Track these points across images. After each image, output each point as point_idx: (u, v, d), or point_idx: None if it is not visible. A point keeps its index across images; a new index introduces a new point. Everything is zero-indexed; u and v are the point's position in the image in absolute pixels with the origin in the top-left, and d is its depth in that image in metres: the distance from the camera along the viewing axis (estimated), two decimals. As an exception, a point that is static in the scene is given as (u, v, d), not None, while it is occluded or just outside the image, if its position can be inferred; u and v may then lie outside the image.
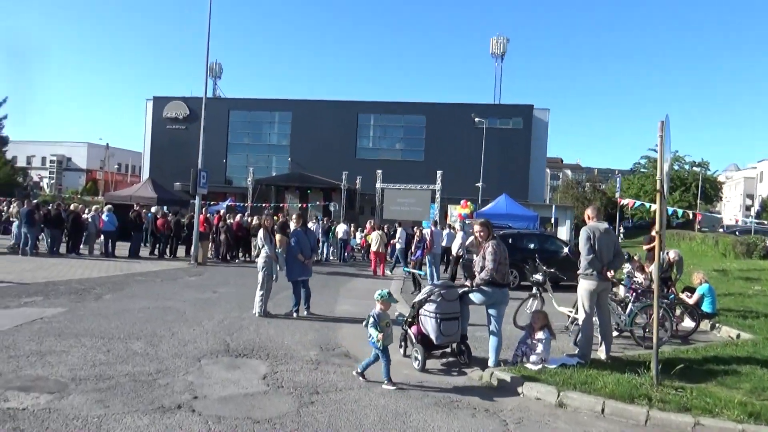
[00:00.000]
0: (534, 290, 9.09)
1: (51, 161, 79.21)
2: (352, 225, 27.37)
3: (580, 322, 6.82)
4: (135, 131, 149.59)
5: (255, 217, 20.68)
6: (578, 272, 6.86)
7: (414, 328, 6.64)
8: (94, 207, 19.32)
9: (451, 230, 20.15)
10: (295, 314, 9.26)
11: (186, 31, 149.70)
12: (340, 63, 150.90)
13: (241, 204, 41.66)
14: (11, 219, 18.21)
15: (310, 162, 49.15)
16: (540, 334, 6.32)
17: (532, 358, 6.22)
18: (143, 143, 56.65)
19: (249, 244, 20.14)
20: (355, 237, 25.22)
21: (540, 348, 6.23)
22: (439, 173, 37.71)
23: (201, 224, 18.49)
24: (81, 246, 18.64)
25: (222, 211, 21.02)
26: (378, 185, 40.45)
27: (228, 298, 10.85)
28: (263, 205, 41.34)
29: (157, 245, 19.54)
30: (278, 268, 9.20)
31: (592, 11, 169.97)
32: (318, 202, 44.20)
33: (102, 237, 18.68)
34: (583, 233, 6.86)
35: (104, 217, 18.43)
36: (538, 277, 9.12)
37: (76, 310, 8.70)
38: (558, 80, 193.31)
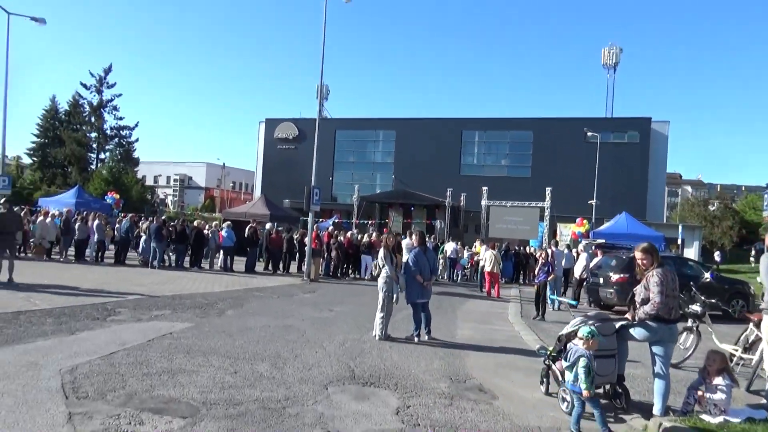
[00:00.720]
0: (690, 323, 7.94)
1: (174, 180, 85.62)
2: (459, 243, 26.62)
3: (766, 366, 5.71)
4: (248, 151, 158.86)
5: (365, 235, 20.59)
6: (762, 306, 5.77)
7: (560, 364, 5.87)
8: (214, 223, 20.13)
9: (569, 251, 18.86)
10: (416, 339, 8.76)
11: (294, 54, 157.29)
12: (443, 80, 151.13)
13: (347, 221, 42.38)
14: (140, 234, 19.36)
15: (413, 179, 49.14)
16: (719, 380, 5.32)
17: (711, 408, 5.23)
18: (256, 162, 59.56)
19: (359, 261, 20.08)
20: (463, 256, 24.47)
21: (720, 396, 5.23)
22: (548, 190, 36.07)
23: (313, 241, 18.71)
24: (202, 260, 19.50)
25: (330, 228, 21.18)
26: (483, 202, 39.44)
27: (345, 318, 10.58)
28: (368, 222, 41.74)
29: (271, 260, 20.01)
30: (399, 290, 8.75)
31: (709, 16, 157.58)
32: (421, 220, 43.88)
33: (221, 252, 19.41)
34: (766, 261, 5.78)
35: (223, 233, 19.16)
36: (696, 308, 7.97)
37: (202, 326, 8.76)
38: (674, 91, 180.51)
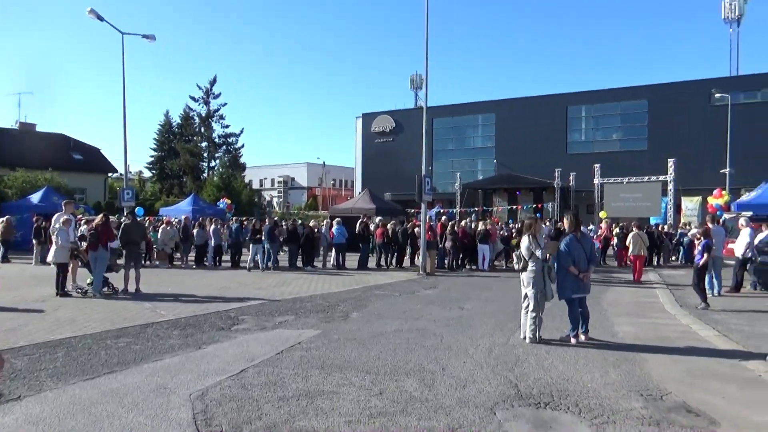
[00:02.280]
0: None
1: (278, 182, 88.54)
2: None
3: None
4: (347, 148, 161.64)
5: (480, 223, 19.31)
6: None
7: (809, 378, 4.38)
8: (325, 221, 19.74)
9: (720, 226, 16.40)
10: (573, 340, 7.46)
11: (385, 47, 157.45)
12: (542, 55, 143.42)
13: (451, 210, 41.13)
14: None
15: (517, 162, 46.85)
16: None
17: None
18: (354, 158, 59.83)
19: (475, 251, 18.86)
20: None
21: None
22: (670, 162, 32.59)
23: (427, 232, 17.75)
24: (315, 260, 19.19)
25: (444, 218, 20.10)
26: (596, 180, 36.62)
27: (480, 317, 9.46)
28: (471, 209, 40.27)
29: (385, 255, 19.30)
30: (551, 284, 7.48)
31: None
32: (529, 204, 41.66)
33: (333, 250, 18.98)
34: None
35: (334, 230, 18.69)
36: None
37: (330, 333, 8.02)
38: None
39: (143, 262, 16.23)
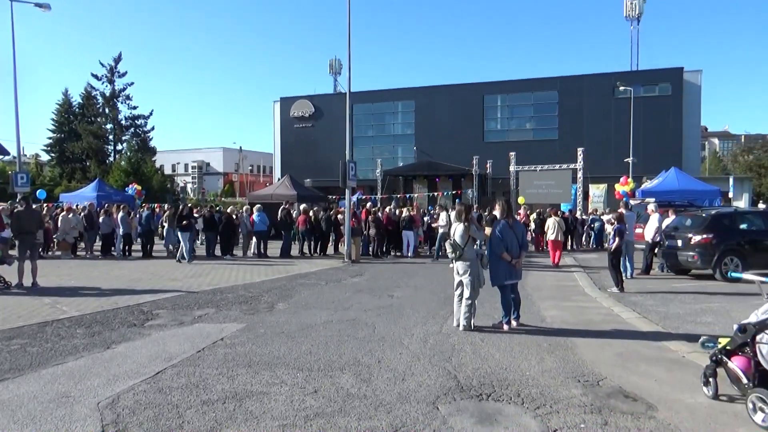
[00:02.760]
0: None
1: (192, 167, 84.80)
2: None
3: None
4: (264, 133, 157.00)
5: (404, 209, 19.22)
6: None
7: (740, 360, 4.48)
8: (244, 208, 18.88)
9: (631, 212, 17.27)
10: (505, 326, 7.43)
11: (304, 30, 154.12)
12: (461, 45, 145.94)
13: (373, 197, 40.99)
14: (163, 224, 18.26)
15: (436, 149, 47.52)
16: None
17: None
18: (273, 143, 58.25)
19: (400, 238, 18.78)
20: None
21: None
22: (580, 151, 34.19)
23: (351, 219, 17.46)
24: (234, 248, 18.36)
25: (368, 205, 19.82)
26: (512, 168, 37.80)
27: (412, 305, 9.28)
28: (395, 196, 40.37)
29: (308, 243, 18.80)
30: (483, 270, 7.40)
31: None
32: (449, 191, 42.38)
33: (254, 238, 18.23)
34: None
35: (255, 217, 17.94)
36: None
37: (255, 327, 7.53)
38: (694, 42, 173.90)
39: (41, 252, 14.81)
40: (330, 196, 35.13)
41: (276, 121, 56.65)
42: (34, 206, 12.74)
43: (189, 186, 73.21)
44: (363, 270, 14.47)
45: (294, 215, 18.93)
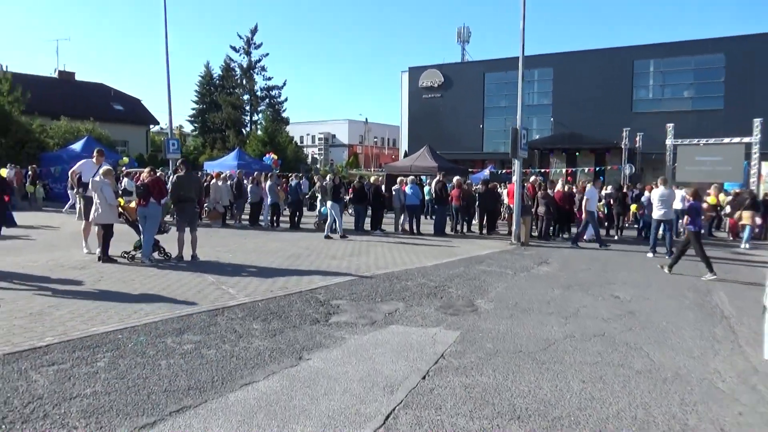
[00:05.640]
0: None
1: (319, 139, 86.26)
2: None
3: None
4: (390, 105, 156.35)
5: (581, 184, 16.55)
6: None
7: None
8: (398, 179, 17.26)
9: None
10: None
11: None
12: (606, 5, 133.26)
13: (533, 169, 37.98)
14: (315, 194, 17.16)
15: (576, 121, 43.27)
16: None
17: None
18: (400, 115, 56.80)
19: (570, 218, 16.23)
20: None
21: None
22: (757, 122, 28.77)
23: (511, 195, 15.28)
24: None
25: (534, 178, 17.37)
26: (668, 141, 33.00)
27: (660, 315, 6.94)
28: (535, 170, 37.19)
29: (459, 221, 16.88)
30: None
31: None
32: (587, 169, 38.24)
33: (405, 212, 16.60)
34: None
35: (408, 189, 16.27)
36: None
37: (475, 338, 5.66)
38: None
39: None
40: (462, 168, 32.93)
41: (404, 92, 55.02)
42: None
43: (317, 157, 74.40)
44: (543, 255, 12.21)
45: (450, 189, 17.01)
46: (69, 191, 18.04)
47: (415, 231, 16.22)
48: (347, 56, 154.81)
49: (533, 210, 15.50)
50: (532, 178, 17.17)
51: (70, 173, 11.00)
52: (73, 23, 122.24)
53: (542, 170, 39.96)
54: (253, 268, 9.50)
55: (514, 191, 14.53)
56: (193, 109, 53.13)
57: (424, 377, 4.47)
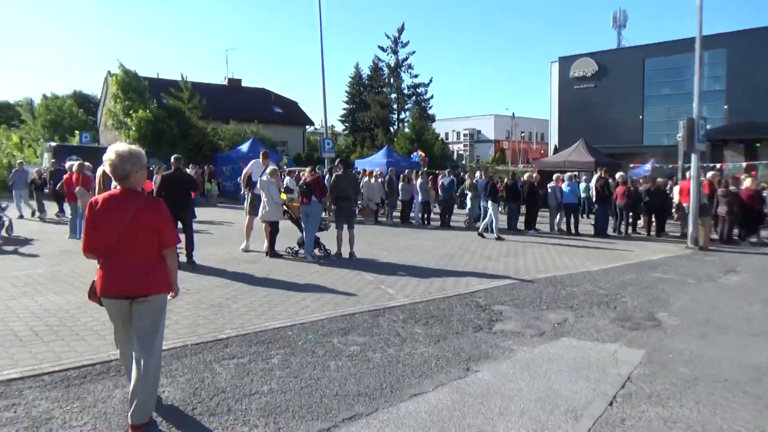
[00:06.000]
0: None
1: (464, 135, 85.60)
2: None
3: None
4: (538, 98, 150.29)
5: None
6: None
7: None
8: (554, 176, 16.31)
9: None
10: None
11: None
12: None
13: (668, 166, 34.43)
14: (465, 192, 16.84)
15: (754, 108, 37.91)
16: None
17: None
18: (549, 107, 54.18)
19: (760, 219, 14.13)
20: None
21: None
22: None
23: (684, 192, 13.70)
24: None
25: (711, 174, 15.39)
26: None
27: None
28: (707, 164, 33.22)
29: (623, 221, 15.51)
30: None
31: None
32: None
33: (561, 212, 15.63)
34: None
35: (565, 186, 15.31)
36: None
37: (664, 360, 4.98)
38: None
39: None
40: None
41: (553, 84, 52.34)
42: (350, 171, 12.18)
43: (462, 153, 73.98)
44: (729, 262, 10.69)
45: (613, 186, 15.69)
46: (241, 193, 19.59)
47: (572, 231, 15.22)
48: (493, 50, 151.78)
49: (713, 210, 13.73)
50: (709, 174, 15.18)
51: (242, 175, 11.81)
52: (241, 34, 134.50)
53: (716, 165, 35.76)
54: (408, 267, 9.46)
55: (691, 188, 12.97)
56: (344, 109, 55.49)
57: (611, 403, 3.97)
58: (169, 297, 3.63)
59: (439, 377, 4.42)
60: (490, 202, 13.90)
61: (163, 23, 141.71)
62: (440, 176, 19.23)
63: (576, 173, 23.65)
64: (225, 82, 44.19)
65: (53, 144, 25.03)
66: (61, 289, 7.13)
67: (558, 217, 15.81)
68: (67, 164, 13.50)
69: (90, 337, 5.17)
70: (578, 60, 49.91)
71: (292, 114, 43.80)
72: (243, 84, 44.65)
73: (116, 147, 3.51)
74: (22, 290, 7.01)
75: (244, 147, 27.52)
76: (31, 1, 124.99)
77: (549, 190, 15.68)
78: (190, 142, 29.61)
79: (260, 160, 11.50)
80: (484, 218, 14.94)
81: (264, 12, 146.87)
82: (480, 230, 14.06)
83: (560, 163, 24.89)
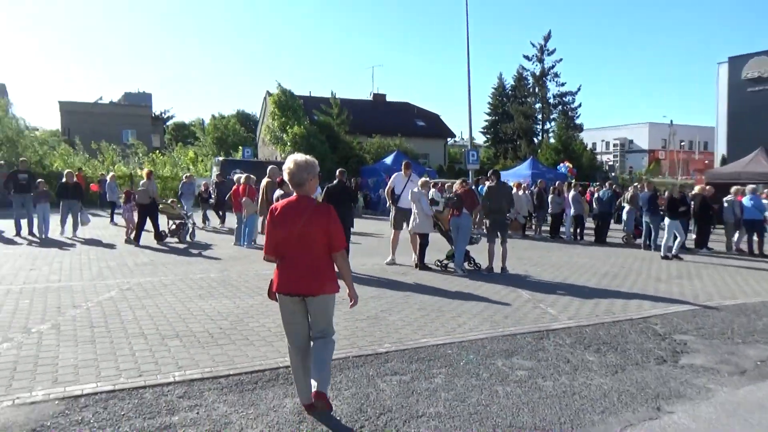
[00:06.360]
0: None
1: (614, 145, 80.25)
2: None
3: None
4: (701, 103, 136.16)
5: None
6: None
7: None
8: (733, 189, 14.44)
9: None
10: None
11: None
12: None
13: None
14: (622, 205, 15.52)
15: None
16: None
17: None
18: (716, 113, 48.72)
19: None
20: None
21: None
22: None
23: None
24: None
25: None
26: None
27: None
28: None
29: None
30: None
31: None
32: None
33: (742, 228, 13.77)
34: None
35: (746, 201, 13.46)
36: None
37: None
38: None
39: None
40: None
41: (720, 87, 47.00)
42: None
43: (612, 164, 69.41)
44: None
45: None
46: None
47: (756, 252, 13.31)
48: (647, 53, 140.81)
49: None
50: None
51: (386, 189, 11.69)
52: (386, 51, 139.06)
53: None
54: (566, 285, 8.80)
55: None
56: (486, 120, 54.72)
57: None
58: (349, 306, 3.89)
59: (626, 416, 3.89)
60: (667, 219, 12.57)
61: (316, 43, 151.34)
62: (590, 188, 17.98)
63: (755, 185, 20.94)
64: (370, 98, 45.74)
65: (220, 159, 27.50)
66: (231, 293, 7.60)
67: (737, 235, 13.94)
68: (235, 177, 14.64)
69: (258, 343, 5.36)
70: (752, 59, 44.47)
71: (434, 127, 44.09)
72: (387, 99, 45.91)
73: (295, 157, 3.78)
74: (198, 293, 7.58)
75: (388, 159, 28.13)
76: (201, 37, 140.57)
77: (726, 204, 13.90)
78: (338, 156, 30.95)
79: (402, 172, 11.30)
80: (649, 235, 13.67)
81: (409, 29, 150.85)
82: (663, 252, 12.50)
83: (734, 174, 22.18)
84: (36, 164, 25.21)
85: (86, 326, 5.80)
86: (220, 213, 18.02)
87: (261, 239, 13.16)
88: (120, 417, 3.70)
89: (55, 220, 14.09)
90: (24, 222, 13.90)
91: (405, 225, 10.59)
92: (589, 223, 16.74)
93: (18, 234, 13.66)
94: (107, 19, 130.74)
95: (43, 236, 13.47)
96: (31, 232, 13.69)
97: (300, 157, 3.75)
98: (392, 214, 11.11)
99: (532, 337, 5.77)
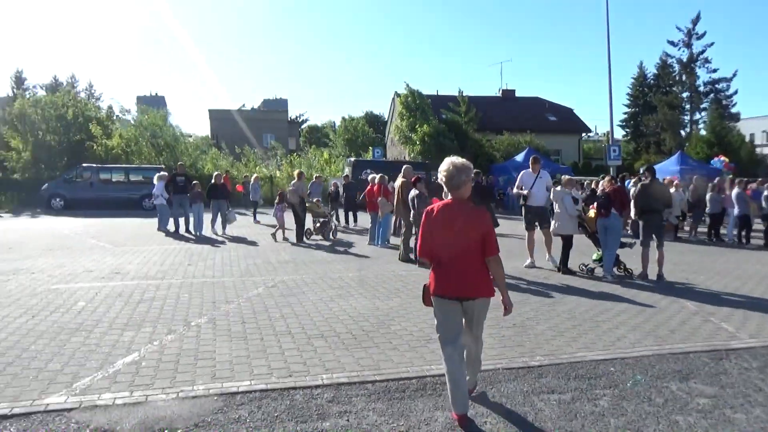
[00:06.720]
0: None
1: (776, 135, 70.91)
2: None
3: None
4: None
5: None
6: None
7: None
8: None
9: None
10: None
11: None
12: None
13: None
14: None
15: None
16: None
17: None
18: None
19: None
20: None
21: None
22: None
23: None
24: None
25: None
26: None
27: None
28: None
29: None
30: None
31: None
32: None
33: None
34: None
35: None
36: None
37: None
38: None
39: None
40: None
41: None
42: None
43: (776, 158, 61.32)
44: None
45: None
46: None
47: None
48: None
49: None
50: None
51: (515, 187, 10.95)
52: (515, 45, 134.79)
53: None
54: (738, 296, 7.73)
55: None
56: (625, 113, 50.98)
57: None
58: (503, 314, 3.74)
59: None
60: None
61: (443, 42, 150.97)
62: (750, 185, 15.79)
63: None
64: (499, 94, 44.58)
65: (353, 159, 28.25)
66: (369, 293, 7.59)
67: None
68: (369, 177, 14.85)
69: (402, 348, 5.22)
70: None
71: (566, 121, 41.90)
72: (517, 94, 44.46)
73: (452, 159, 3.71)
74: (338, 292, 7.66)
75: (519, 157, 27.15)
76: (331, 43, 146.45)
77: None
78: (467, 154, 30.46)
79: (530, 168, 10.53)
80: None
81: (537, 20, 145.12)
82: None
83: None
84: (190, 167, 27.64)
85: (238, 321, 6.05)
86: (350, 213, 18.42)
87: (393, 240, 13.27)
88: (274, 418, 3.71)
89: (206, 218, 15.25)
90: (182, 220, 15.23)
91: (536, 225, 9.96)
92: (758, 225, 14.76)
93: (176, 232, 14.97)
94: (247, 36, 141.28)
95: (198, 234, 14.61)
96: (187, 230, 14.95)
97: (457, 159, 3.70)
98: (524, 213, 10.47)
99: (708, 357, 5.04)
